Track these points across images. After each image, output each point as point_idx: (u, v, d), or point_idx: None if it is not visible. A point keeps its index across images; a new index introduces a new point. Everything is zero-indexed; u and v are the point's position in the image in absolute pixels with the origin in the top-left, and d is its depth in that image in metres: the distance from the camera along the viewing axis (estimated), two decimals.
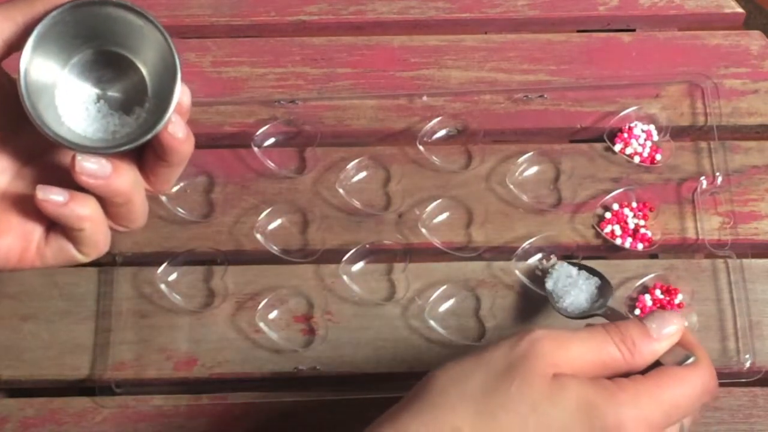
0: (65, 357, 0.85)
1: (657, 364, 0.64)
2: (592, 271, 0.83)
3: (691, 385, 0.63)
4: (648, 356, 0.64)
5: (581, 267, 0.84)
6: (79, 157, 0.61)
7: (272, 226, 0.89)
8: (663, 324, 0.65)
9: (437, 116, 0.91)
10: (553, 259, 0.86)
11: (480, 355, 0.64)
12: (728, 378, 0.82)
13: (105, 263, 0.87)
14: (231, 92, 0.94)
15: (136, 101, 0.66)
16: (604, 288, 0.82)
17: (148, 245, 0.88)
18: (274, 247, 0.87)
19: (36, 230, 0.65)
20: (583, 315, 0.80)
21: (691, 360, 0.64)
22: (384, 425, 0.62)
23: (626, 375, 0.63)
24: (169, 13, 0.98)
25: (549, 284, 0.83)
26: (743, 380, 0.83)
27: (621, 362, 0.63)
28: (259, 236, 0.87)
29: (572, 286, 0.82)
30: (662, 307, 0.84)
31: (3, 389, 0.87)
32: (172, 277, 0.87)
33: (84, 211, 0.63)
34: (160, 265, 0.86)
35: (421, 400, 0.63)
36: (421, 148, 0.90)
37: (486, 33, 0.99)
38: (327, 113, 0.93)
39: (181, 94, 0.63)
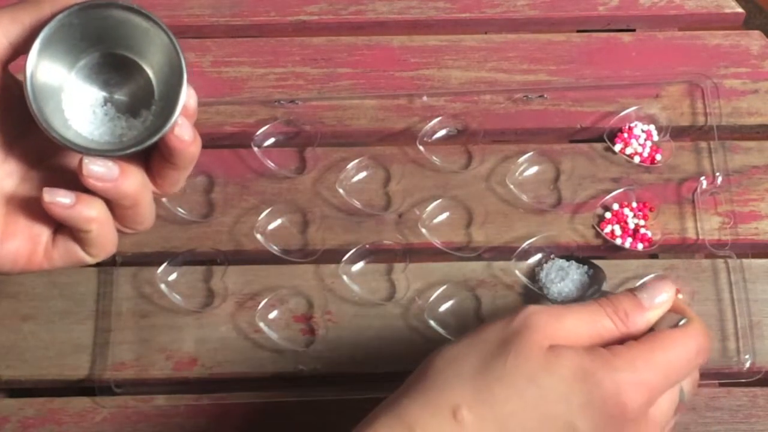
0: (65, 357, 0.85)
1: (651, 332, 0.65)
2: (584, 261, 0.84)
3: (686, 345, 0.63)
4: (641, 325, 0.65)
5: (570, 258, 0.85)
6: (86, 161, 0.61)
7: (272, 226, 0.88)
8: (654, 293, 0.65)
9: (437, 116, 0.91)
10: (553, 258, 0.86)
11: (475, 335, 0.64)
12: (728, 378, 0.83)
13: (105, 263, 0.85)
14: (231, 92, 0.94)
15: (142, 104, 0.66)
16: (597, 275, 0.82)
17: (148, 245, 0.88)
18: (274, 247, 0.87)
19: (43, 233, 0.65)
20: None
21: (683, 322, 0.65)
22: (383, 411, 0.62)
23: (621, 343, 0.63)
24: (169, 12, 0.98)
25: (540, 277, 0.84)
26: (743, 380, 0.83)
27: (615, 333, 0.64)
28: (259, 236, 0.87)
29: (561, 278, 0.82)
30: None
31: (3, 389, 0.87)
32: (172, 277, 0.87)
33: (91, 213, 0.63)
34: (160, 265, 0.86)
35: (419, 383, 0.63)
36: (421, 148, 0.90)
37: (486, 33, 0.99)
38: (327, 113, 0.93)
39: (187, 96, 0.63)
